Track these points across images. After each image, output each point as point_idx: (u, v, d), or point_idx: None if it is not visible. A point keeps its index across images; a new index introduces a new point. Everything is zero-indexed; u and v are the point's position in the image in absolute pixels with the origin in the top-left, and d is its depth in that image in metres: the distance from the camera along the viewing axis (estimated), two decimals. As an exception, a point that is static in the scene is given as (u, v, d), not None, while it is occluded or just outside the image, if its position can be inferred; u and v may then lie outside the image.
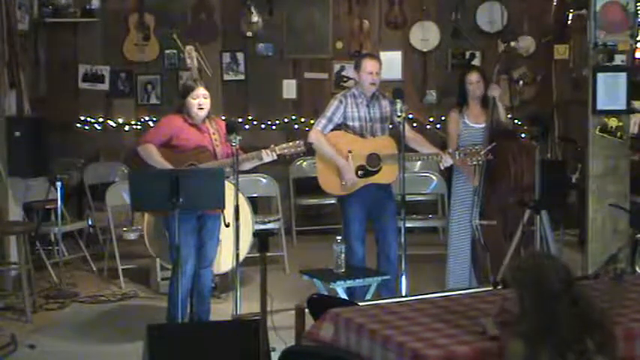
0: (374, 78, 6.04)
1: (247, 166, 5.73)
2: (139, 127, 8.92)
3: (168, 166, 5.55)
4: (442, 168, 6.31)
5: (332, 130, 6.10)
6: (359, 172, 6.03)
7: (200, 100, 5.66)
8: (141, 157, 5.65)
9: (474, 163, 6.02)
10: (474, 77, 6.35)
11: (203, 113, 5.70)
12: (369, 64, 6.06)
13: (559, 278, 2.98)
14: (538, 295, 2.98)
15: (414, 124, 8.49)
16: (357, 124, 6.05)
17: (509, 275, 3.21)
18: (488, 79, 6.41)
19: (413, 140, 6.14)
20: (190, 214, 5.49)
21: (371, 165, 6.02)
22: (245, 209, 6.42)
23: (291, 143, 5.76)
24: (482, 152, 5.92)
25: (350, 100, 6.08)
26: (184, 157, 5.61)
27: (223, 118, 8.83)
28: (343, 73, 9.14)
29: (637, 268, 6.24)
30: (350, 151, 6.03)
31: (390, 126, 6.21)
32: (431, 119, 9.10)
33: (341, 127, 6.10)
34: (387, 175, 6.01)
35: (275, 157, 5.71)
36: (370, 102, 6.09)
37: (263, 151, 5.66)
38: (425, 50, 9.23)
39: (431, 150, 6.17)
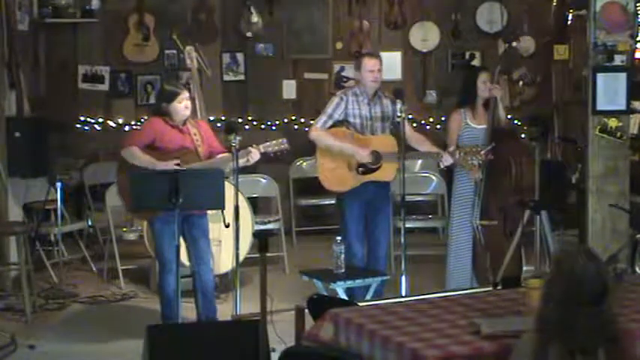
0: (375, 75, 6.05)
1: (233, 165, 5.69)
2: (138, 127, 8.90)
3: (155, 162, 5.53)
4: (442, 167, 6.30)
5: (332, 127, 6.11)
6: (359, 169, 6.03)
7: (185, 102, 5.67)
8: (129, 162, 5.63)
9: (474, 162, 6.01)
10: (486, 77, 6.33)
11: (188, 112, 5.72)
12: (369, 63, 6.07)
13: (594, 289, 2.92)
14: (568, 294, 2.94)
15: (414, 125, 8.49)
16: (357, 121, 6.06)
17: (557, 254, 3.16)
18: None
19: (413, 139, 6.15)
20: (173, 216, 5.33)
21: (371, 162, 6.02)
22: (245, 209, 6.42)
23: (274, 141, 5.77)
24: (482, 152, 5.92)
25: (351, 97, 6.09)
26: (168, 158, 5.59)
27: (223, 118, 8.87)
28: (343, 74, 9.14)
29: (637, 268, 6.24)
30: None
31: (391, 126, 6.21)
32: (431, 119, 9.10)
33: (342, 123, 6.11)
34: (386, 172, 6.01)
35: (258, 157, 5.70)
36: (372, 101, 6.10)
37: (249, 148, 5.64)
38: (425, 50, 9.23)
39: (431, 149, 6.18)
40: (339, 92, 6.29)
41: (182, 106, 5.65)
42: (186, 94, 5.70)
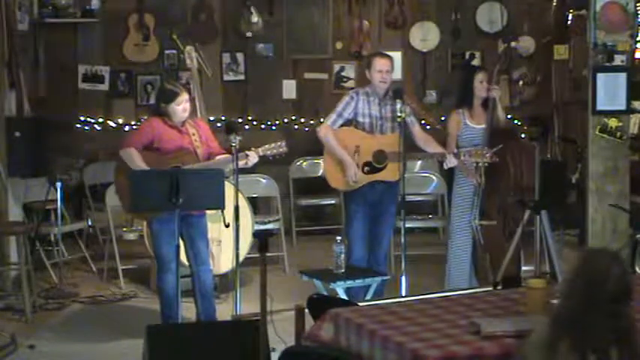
0: (384, 76, 6.05)
1: (230, 167, 5.69)
2: (138, 127, 8.90)
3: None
4: (445, 168, 6.30)
5: (342, 125, 6.12)
6: (365, 168, 6.04)
7: (183, 105, 5.66)
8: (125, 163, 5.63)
9: (479, 164, 6.02)
10: (483, 76, 6.34)
11: (186, 114, 5.71)
12: (378, 63, 6.08)
13: (613, 291, 2.93)
14: (586, 292, 2.95)
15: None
16: (367, 120, 6.07)
17: (583, 253, 3.16)
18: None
19: (421, 139, 6.18)
20: (172, 215, 5.33)
21: (377, 162, 6.03)
22: (245, 209, 6.42)
23: (273, 144, 5.78)
24: (487, 154, 5.92)
25: (362, 97, 6.11)
26: (168, 159, 5.59)
27: (223, 118, 8.87)
28: (343, 74, 9.15)
29: (637, 268, 6.24)
30: (357, 147, 6.04)
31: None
32: (431, 119, 9.10)
33: (352, 122, 6.12)
34: (392, 172, 6.00)
35: (257, 159, 5.71)
36: (382, 101, 6.10)
37: (246, 152, 5.65)
38: (425, 50, 9.23)
39: (436, 150, 6.18)
40: (351, 91, 6.31)
41: (180, 108, 5.64)
42: (185, 96, 5.67)
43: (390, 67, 6.11)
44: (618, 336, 2.92)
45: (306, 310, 4.29)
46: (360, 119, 6.09)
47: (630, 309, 3.00)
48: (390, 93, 6.11)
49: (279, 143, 5.78)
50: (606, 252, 3.10)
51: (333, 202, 8.54)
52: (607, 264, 2.97)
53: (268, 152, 5.75)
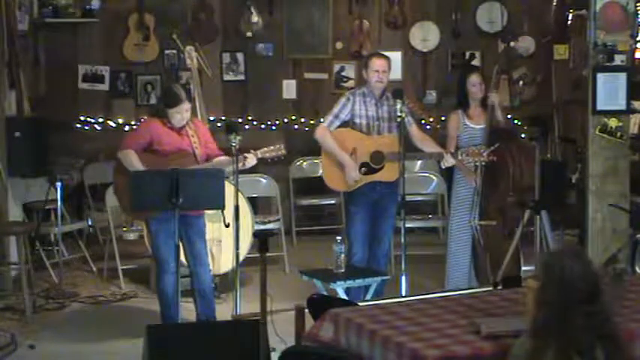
0: (380, 76, 6.06)
1: (230, 168, 5.69)
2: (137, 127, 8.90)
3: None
4: (443, 167, 6.30)
5: (339, 126, 6.12)
6: (362, 169, 6.04)
7: (182, 114, 5.65)
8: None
9: (476, 163, 6.02)
10: (475, 79, 6.36)
11: (183, 123, 5.70)
12: (375, 63, 6.09)
13: (584, 289, 2.92)
14: (559, 297, 2.93)
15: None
16: (364, 121, 6.07)
17: (544, 257, 3.15)
18: (487, 79, 6.43)
19: (419, 140, 6.19)
20: (170, 216, 5.33)
21: (374, 162, 6.03)
22: (245, 209, 6.42)
23: (272, 147, 5.79)
24: (484, 153, 5.92)
25: (358, 98, 6.11)
26: (166, 160, 5.58)
27: (223, 118, 8.88)
28: (343, 74, 9.14)
29: (637, 268, 6.24)
30: (355, 149, 6.04)
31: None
32: (431, 119, 9.11)
33: (348, 124, 6.12)
34: (389, 173, 6.00)
35: (255, 162, 5.72)
36: (379, 101, 6.10)
37: (245, 155, 5.65)
38: (425, 50, 9.23)
39: (434, 149, 6.18)
40: (347, 92, 6.31)
41: (178, 117, 5.63)
42: (186, 105, 5.65)
43: (387, 67, 6.11)
44: (599, 333, 2.92)
45: (306, 310, 4.29)
46: (357, 120, 6.09)
47: (607, 304, 2.99)
48: (388, 93, 6.11)
49: (277, 146, 5.80)
50: (566, 253, 3.07)
51: (333, 202, 8.54)
52: (568, 266, 2.95)
53: (267, 155, 5.77)
